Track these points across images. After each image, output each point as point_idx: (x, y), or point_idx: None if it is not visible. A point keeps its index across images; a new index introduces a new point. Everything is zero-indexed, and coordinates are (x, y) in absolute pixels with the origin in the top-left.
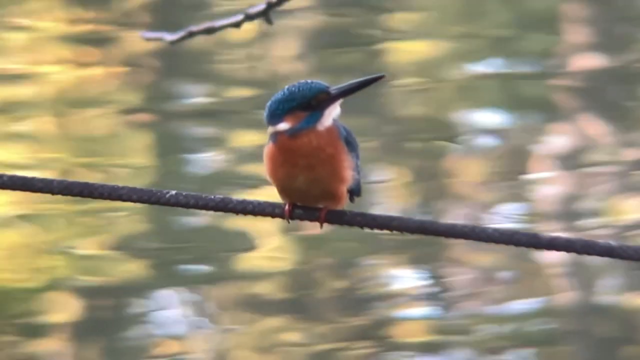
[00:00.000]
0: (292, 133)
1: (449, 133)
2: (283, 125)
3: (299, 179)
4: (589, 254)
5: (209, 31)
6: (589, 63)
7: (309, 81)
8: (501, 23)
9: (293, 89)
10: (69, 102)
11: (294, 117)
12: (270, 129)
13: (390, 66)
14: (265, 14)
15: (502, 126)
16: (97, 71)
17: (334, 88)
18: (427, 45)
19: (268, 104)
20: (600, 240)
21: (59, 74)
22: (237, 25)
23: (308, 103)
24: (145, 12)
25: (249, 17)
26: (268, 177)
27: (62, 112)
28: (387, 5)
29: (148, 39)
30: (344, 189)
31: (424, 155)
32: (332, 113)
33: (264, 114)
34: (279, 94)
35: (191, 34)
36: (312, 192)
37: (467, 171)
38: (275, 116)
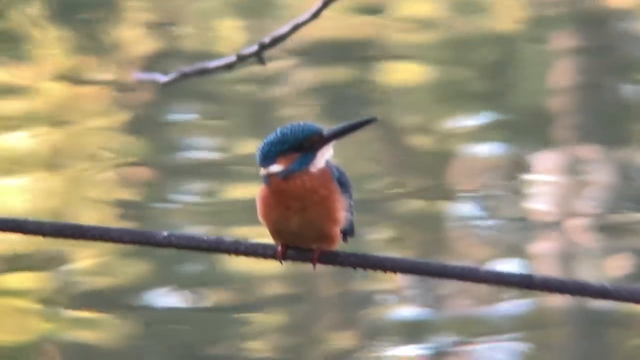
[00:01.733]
0: (284, 175)
1: None
2: (275, 168)
3: (293, 221)
4: (583, 295)
5: (202, 72)
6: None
7: (301, 123)
8: None
9: (285, 131)
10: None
11: (286, 159)
12: (263, 171)
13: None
14: (258, 55)
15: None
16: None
17: (326, 130)
18: None
19: (260, 146)
20: (594, 282)
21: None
22: (230, 67)
23: (300, 145)
24: None
25: (242, 59)
26: (261, 219)
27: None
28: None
29: (141, 80)
30: (337, 230)
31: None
32: (325, 155)
33: (256, 155)
34: (271, 136)
35: (184, 76)
36: (305, 234)
37: None
38: (267, 158)
